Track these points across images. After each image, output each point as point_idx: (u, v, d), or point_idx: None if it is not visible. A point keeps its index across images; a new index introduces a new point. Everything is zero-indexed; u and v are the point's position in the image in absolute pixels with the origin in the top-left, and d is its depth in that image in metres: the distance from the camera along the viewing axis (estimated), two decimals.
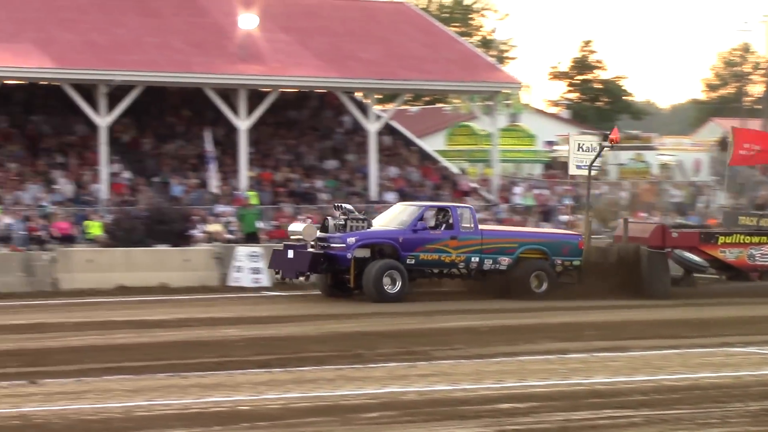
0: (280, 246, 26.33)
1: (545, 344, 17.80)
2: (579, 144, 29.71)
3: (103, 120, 32.76)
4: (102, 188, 33.47)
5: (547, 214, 37.47)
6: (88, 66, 33.64)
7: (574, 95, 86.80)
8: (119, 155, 35.18)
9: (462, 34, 64.31)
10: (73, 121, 35.73)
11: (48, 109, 36.44)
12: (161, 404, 11.89)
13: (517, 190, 40.03)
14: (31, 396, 12.47)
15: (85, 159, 35.50)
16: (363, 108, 38.13)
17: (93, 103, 32.93)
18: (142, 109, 35.77)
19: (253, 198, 33.66)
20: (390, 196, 36.48)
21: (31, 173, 33.77)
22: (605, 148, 29.74)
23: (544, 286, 25.09)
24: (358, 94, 39.58)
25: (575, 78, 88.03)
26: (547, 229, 31.32)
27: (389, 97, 45.52)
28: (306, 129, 39.54)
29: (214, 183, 34.73)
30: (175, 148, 37.20)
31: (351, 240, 24.57)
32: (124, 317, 22.32)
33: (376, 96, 40.33)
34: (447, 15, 78.76)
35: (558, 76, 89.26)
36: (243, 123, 34.81)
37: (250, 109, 35.25)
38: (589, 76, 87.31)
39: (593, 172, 30.33)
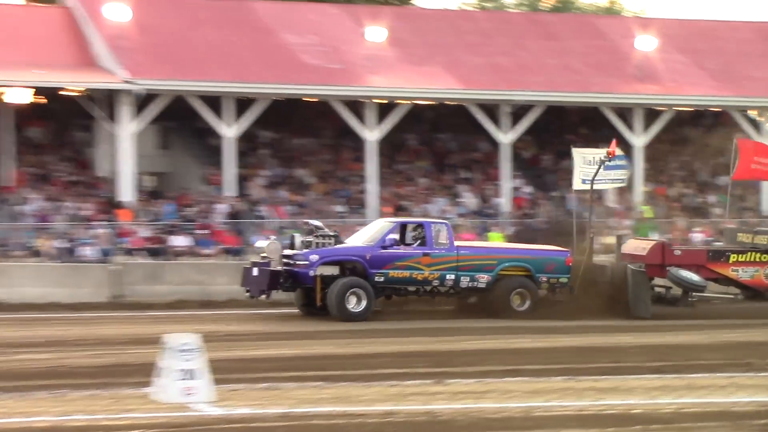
0: (248, 264, 25.21)
1: None
2: (584, 157, 27.99)
3: (505, 137, 34.04)
4: (503, 202, 34.69)
5: None
6: (493, 87, 34.92)
7: None
8: (520, 171, 36.34)
9: None
10: (477, 138, 37.15)
11: (454, 127, 37.94)
12: (558, 405, 12.21)
13: None
14: (437, 394, 13.03)
15: (488, 174, 36.77)
16: (756, 125, 37.89)
17: (496, 122, 34.25)
18: (542, 127, 36.65)
19: (648, 212, 33.86)
20: None
21: (438, 187, 35.38)
22: (604, 162, 27.10)
23: (527, 305, 23.62)
24: (752, 113, 39.07)
25: None
26: (532, 245, 27.18)
27: None
28: (700, 146, 39.09)
29: (613, 198, 35.15)
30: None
31: (314, 257, 23.37)
32: (522, 323, 22.34)
33: None
34: None
35: None
36: (639, 140, 35.25)
37: (646, 127, 35.76)
38: None
39: (604, 187, 29.07)
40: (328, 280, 22.91)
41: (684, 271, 24.67)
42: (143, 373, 12.71)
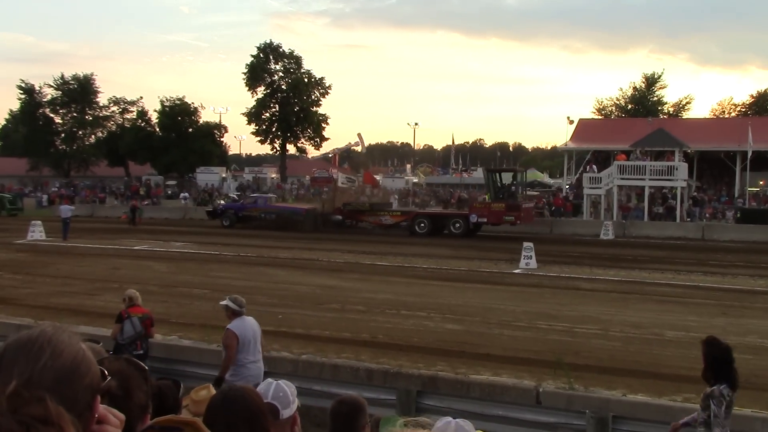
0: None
1: None
2: (340, 176, 55.75)
3: None
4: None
5: None
6: None
7: None
8: None
9: None
10: None
11: None
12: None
13: None
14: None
15: None
16: None
17: None
18: None
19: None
20: None
21: None
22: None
23: (293, 226, 46.66)
24: None
25: None
26: (293, 205, 56.76)
27: None
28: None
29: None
30: None
31: (223, 206, 52.85)
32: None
33: None
34: None
35: None
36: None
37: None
38: None
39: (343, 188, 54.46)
40: (225, 213, 51.80)
41: (334, 215, 48.61)
42: None
